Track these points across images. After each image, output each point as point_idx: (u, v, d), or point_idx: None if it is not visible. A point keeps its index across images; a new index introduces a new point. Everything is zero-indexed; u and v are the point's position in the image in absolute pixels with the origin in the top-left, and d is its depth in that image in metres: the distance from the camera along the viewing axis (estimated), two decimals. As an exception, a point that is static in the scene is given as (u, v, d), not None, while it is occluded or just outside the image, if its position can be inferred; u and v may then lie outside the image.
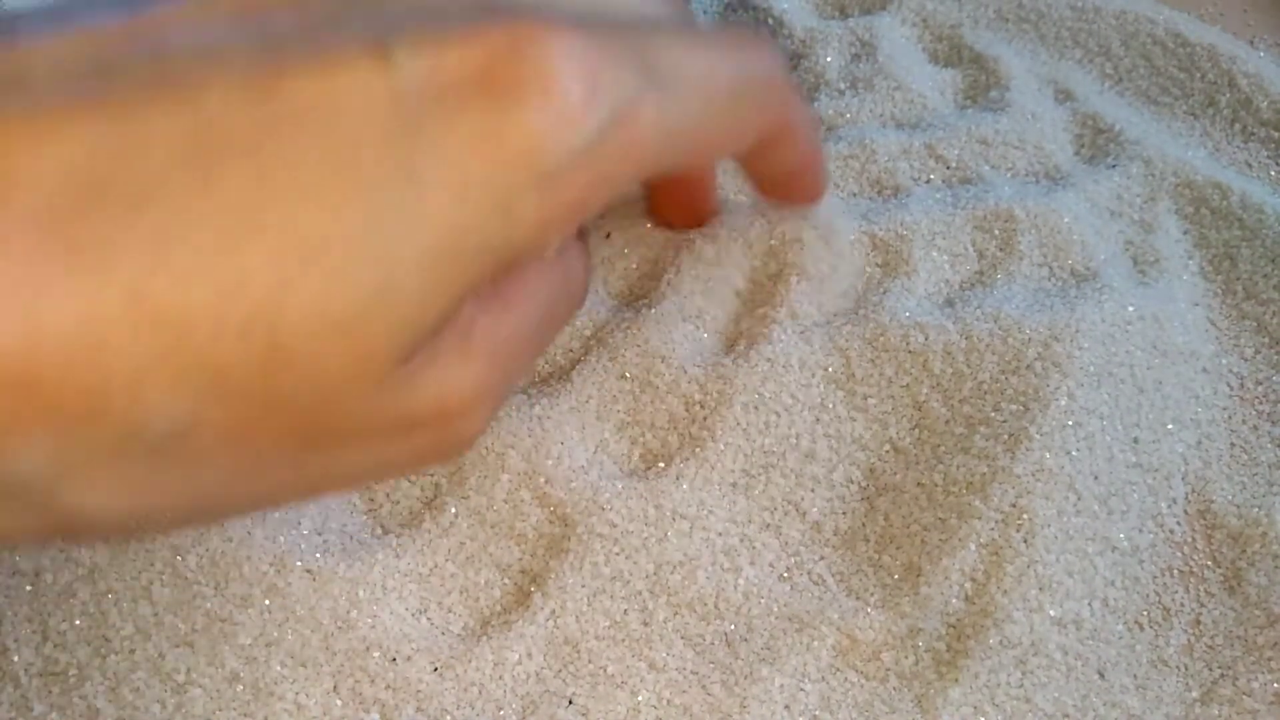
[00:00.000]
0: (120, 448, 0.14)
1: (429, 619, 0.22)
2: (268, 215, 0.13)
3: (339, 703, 0.20)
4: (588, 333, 0.26)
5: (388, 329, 0.15)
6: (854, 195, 0.30)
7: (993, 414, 0.24)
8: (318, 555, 0.22)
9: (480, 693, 0.21)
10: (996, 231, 0.28)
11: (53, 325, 0.13)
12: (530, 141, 0.15)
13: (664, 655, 0.21)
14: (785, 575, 0.23)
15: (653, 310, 0.25)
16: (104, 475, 0.14)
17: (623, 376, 0.25)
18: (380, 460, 0.17)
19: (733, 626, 0.22)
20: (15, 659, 0.21)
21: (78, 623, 0.21)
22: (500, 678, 0.21)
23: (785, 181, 0.25)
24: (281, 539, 0.22)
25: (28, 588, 0.21)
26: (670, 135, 0.17)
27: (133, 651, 0.21)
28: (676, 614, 0.22)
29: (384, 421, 0.16)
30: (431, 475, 0.24)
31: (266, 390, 0.14)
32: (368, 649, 0.21)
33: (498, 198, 0.15)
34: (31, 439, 0.13)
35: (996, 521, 0.23)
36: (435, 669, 0.21)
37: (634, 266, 0.27)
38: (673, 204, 0.27)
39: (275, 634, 0.21)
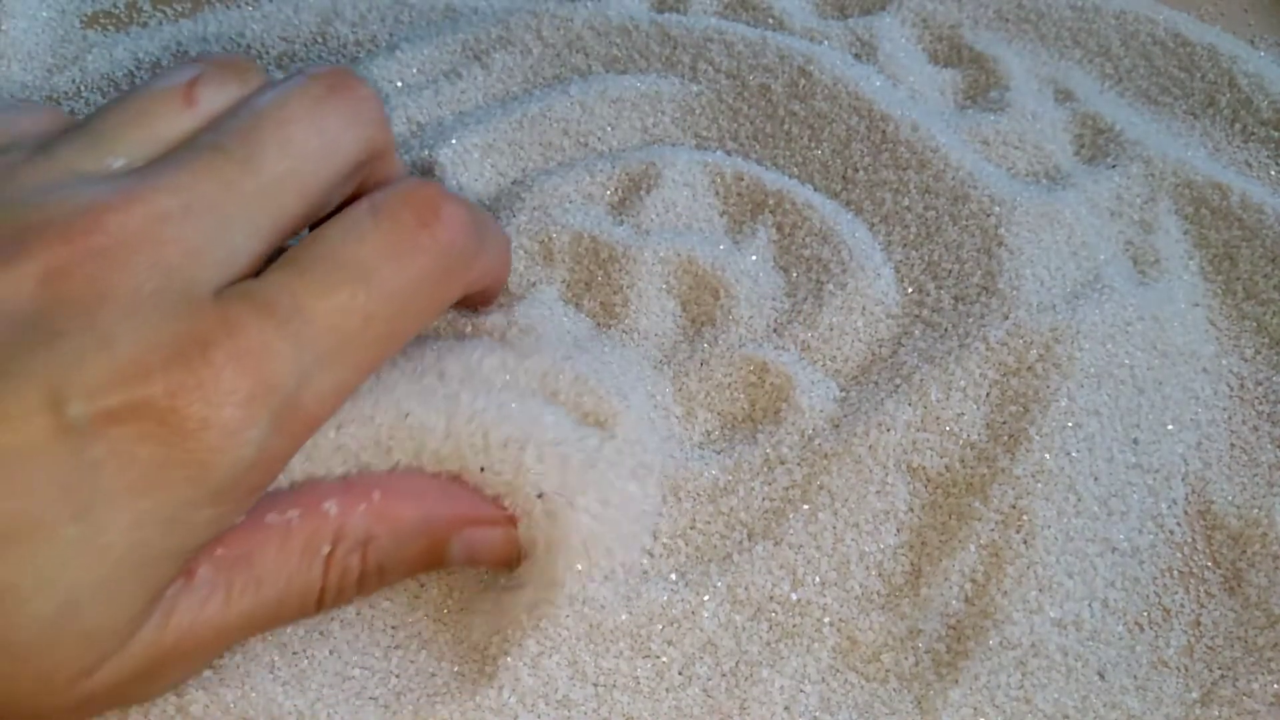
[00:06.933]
0: None
1: None
2: None
3: None
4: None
5: (73, 648, 0.16)
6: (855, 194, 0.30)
7: (993, 415, 0.24)
8: None
9: None
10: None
11: None
12: (198, 469, 0.16)
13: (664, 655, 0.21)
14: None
15: None
16: None
17: None
18: None
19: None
20: None
21: None
22: None
23: None
24: None
25: None
26: (337, 396, 0.18)
27: None
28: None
29: None
30: None
31: None
32: None
33: (173, 516, 0.16)
34: None
35: (996, 523, 0.23)
36: None
37: None
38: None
39: None
